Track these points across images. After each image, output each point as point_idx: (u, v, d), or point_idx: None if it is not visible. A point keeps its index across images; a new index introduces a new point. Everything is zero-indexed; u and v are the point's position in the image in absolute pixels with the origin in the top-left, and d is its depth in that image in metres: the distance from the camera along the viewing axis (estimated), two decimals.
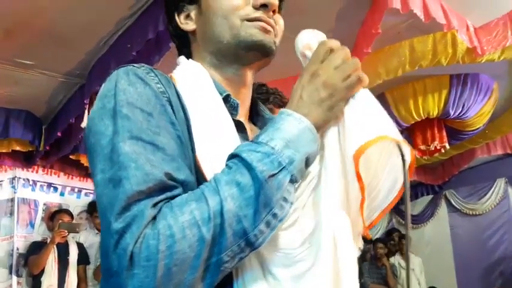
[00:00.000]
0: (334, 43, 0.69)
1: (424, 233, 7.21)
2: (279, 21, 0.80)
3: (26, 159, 4.64)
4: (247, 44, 0.74)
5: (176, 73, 0.77)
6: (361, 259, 5.91)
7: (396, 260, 6.11)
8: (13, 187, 4.69)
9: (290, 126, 0.62)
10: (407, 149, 0.63)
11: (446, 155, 5.56)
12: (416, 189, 7.27)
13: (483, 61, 3.43)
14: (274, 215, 0.59)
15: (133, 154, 0.59)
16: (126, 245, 0.54)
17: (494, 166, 6.48)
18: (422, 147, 4.59)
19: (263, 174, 0.58)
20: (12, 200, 4.66)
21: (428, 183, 6.89)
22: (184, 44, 0.85)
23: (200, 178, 0.64)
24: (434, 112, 4.18)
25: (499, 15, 3.29)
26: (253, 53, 0.76)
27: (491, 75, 4.08)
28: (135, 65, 0.69)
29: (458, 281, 6.68)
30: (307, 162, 0.63)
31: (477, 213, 6.73)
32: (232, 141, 0.68)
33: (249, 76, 0.81)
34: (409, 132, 4.82)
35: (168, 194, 0.59)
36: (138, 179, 0.57)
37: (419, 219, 7.35)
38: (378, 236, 7.03)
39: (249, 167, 0.58)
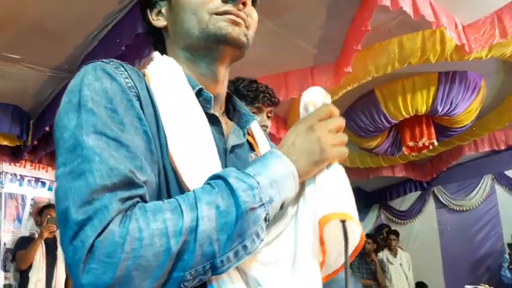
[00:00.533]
0: (335, 110, 0.71)
1: (413, 228, 7.29)
2: (252, 14, 0.79)
3: (14, 154, 4.58)
4: (216, 37, 0.74)
5: (149, 68, 0.76)
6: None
7: (384, 255, 6.17)
8: (0, 182, 4.64)
9: (277, 167, 0.63)
10: (359, 231, 0.65)
11: (435, 152, 5.62)
12: (404, 185, 7.34)
13: (471, 59, 3.47)
14: (245, 247, 0.59)
15: (97, 148, 0.58)
16: (86, 237, 0.53)
17: (482, 163, 6.56)
18: (411, 143, 4.64)
19: (246, 205, 0.58)
20: None
21: (417, 179, 6.96)
22: (159, 40, 0.85)
23: (173, 173, 0.64)
24: (423, 109, 4.22)
25: (486, 13, 3.33)
26: (223, 46, 0.75)
27: (479, 73, 4.13)
28: (104, 60, 0.68)
29: (446, 276, 6.76)
30: (282, 206, 0.64)
31: (464, 209, 6.81)
32: (205, 134, 0.68)
33: (222, 70, 0.80)
34: (398, 129, 4.87)
35: (133, 192, 0.58)
36: (102, 173, 0.56)
37: (408, 215, 7.43)
38: (366, 232, 7.09)
39: (233, 193, 0.58)
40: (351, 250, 0.66)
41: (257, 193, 0.59)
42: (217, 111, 0.81)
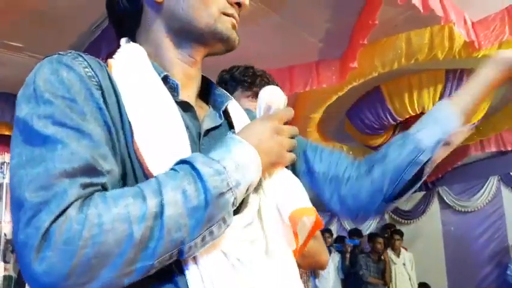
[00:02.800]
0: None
1: (416, 228, 7.24)
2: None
3: None
4: (222, 36, 0.76)
5: (115, 57, 0.74)
6: (356, 252, 5.93)
7: (388, 254, 6.14)
8: (2, 172, 4.64)
9: (241, 151, 0.63)
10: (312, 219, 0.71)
11: None
12: None
13: (480, 56, 3.41)
14: (211, 233, 0.58)
15: (58, 136, 0.55)
16: (41, 222, 0.50)
17: (488, 163, 6.50)
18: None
19: (216, 190, 0.57)
20: (0, 185, 4.61)
21: None
22: (133, 24, 0.81)
23: (138, 163, 0.62)
24: (429, 107, 4.15)
25: (497, 9, 3.27)
26: (221, 44, 0.78)
27: None
28: (61, 52, 0.65)
29: (449, 277, 6.73)
30: (247, 191, 0.64)
31: (469, 210, 6.76)
32: (172, 121, 0.67)
33: (201, 58, 0.81)
34: (404, 127, 4.80)
35: (95, 179, 0.55)
36: (62, 158, 0.54)
37: (412, 215, 7.37)
38: (370, 231, 7.05)
39: (200, 178, 0.57)
40: (303, 238, 0.72)
41: (224, 178, 0.59)
42: (191, 97, 0.79)
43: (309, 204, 0.71)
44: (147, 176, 0.61)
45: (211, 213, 0.57)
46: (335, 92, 3.89)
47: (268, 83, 1.64)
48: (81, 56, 0.66)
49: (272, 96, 0.77)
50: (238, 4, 0.77)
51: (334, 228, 7.71)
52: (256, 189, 0.70)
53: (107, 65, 0.70)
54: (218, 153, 0.62)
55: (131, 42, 0.78)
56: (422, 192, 7.36)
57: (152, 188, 0.55)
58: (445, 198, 7.09)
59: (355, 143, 4.96)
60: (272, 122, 0.71)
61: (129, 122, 0.63)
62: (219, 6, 0.75)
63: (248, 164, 0.63)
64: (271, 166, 0.70)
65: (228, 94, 0.85)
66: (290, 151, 0.73)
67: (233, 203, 0.60)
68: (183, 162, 0.60)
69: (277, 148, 0.69)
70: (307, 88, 3.69)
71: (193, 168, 0.58)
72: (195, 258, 0.59)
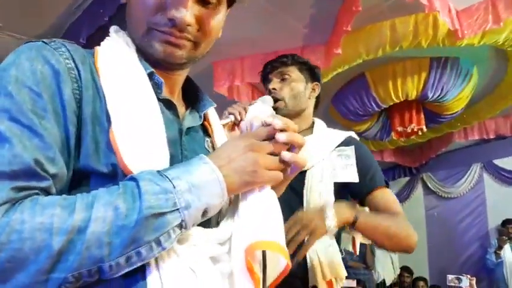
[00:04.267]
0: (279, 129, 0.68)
1: None
2: (208, 24, 0.72)
3: None
4: (152, 56, 0.72)
5: (102, 45, 0.73)
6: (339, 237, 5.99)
7: None
8: None
9: (201, 173, 0.60)
10: (284, 262, 0.66)
11: (424, 138, 5.61)
12: (393, 170, 7.37)
13: (463, 45, 3.42)
14: (138, 254, 0.55)
15: (8, 134, 0.55)
16: None
17: (471, 151, 6.59)
18: (400, 128, 4.61)
19: (148, 211, 0.55)
20: None
21: (406, 165, 6.97)
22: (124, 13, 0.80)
23: (113, 154, 0.61)
24: (413, 94, 4.18)
25: None
26: (158, 63, 0.73)
27: (471, 60, 4.08)
28: (45, 40, 0.65)
29: (430, 261, 6.86)
30: (205, 214, 0.61)
31: (452, 196, 6.87)
32: (153, 117, 0.66)
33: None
34: (388, 114, 4.83)
35: (34, 183, 0.55)
36: (4, 159, 0.54)
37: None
38: None
39: (139, 197, 0.55)
40: (275, 277, 0.67)
41: (171, 197, 0.56)
42: (174, 95, 0.79)
43: (276, 238, 0.63)
44: (121, 169, 0.61)
45: (138, 234, 0.54)
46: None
47: (272, 62, 1.62)
48: (64, 46, 0.65)
49: (255, 113, 0.74)
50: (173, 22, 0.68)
51: None
52: (233, 210, 0.68)
53: (94, 53, 0.69)
54: (176, 171, 0.60)
55: (121, 31, 0.76)
56: (407, 178, 7.45)
57: (86, 201, 0.54)
58: (428, 184, 7.19)
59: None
60: (246, 139, 0.66)
61: (108, 116, 0.63)
62: (148, 20, 0.69)
63: (206, 186, 0.60)
64: (245, 186, 0.64)
65: (211, 100, 0.85)
66: (278, 169, 0.67)
67: (181, 225, 0.58)
68: (131, 178, 0.58)
69: (251, 167, 0.63)
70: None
71: (137, 186, 0.56)
72: (158, 268, 0.58)
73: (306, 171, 1.49)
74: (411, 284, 6.00)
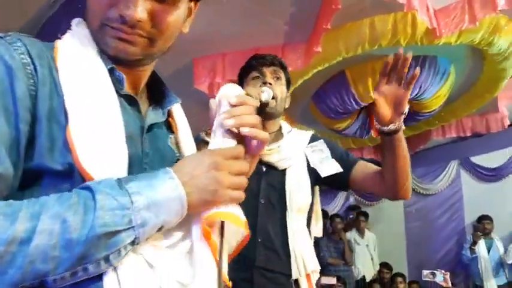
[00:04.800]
0: (241, 152, 0.69)
1: (380, 210, 7.42)
2: (164, 21, 0.69)
3: None
4: (106, 52, 0.70)
5: (63, 39, 0.70)
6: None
7: (352, 235, 6.30)
8: None
9: (165, 188, 0.59)
10: (242, 231, 0.69)
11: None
12: None
13: (441, 43, 3.48)
14: (85, 269, 0.53)
15: None
16: None
17: (449, 148, 6.70)
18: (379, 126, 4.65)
19: (102, 229, 0.53)
20: None
21: None
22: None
23: (70, 152, 0.59)
24: None
25: None
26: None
27: (449, 59, 4.15)
28: (1, 35, 0.62)
29: (408, 257, 6.96)
30: (160, 229, 0.60)
31: (430, 193, 6.98)
32: (112, 113, 0.64)
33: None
34: (367, 111, 4.88)
35: None
36: None
37: (375, 197, 7.54)
38: (335, 212, 7.20)
39: (91, 210, 0.53)
40: (234, 246, 0.70)
41: (127, 214, 0.55)
42: (138, 91, 0.76)
43: (235, 210, 0.66)
44: (77, 168, 0.59)
45: (89, 251, 0.52)
46: (300, 76, 3.90)
47: (264, 57, 1.63)
48: (21, 40, 0.62)
49: (222, 91, 0.72)
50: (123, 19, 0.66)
51: None
52: (188, 227, 0.66)
53: (53, 47, 0.67)
54: (139, 184, 0.58)
55: (83, 24, 0.72)
56: None
57: (31, 210, 0.51)
58: None
59: (320, 126, 5.02)
60: (212, 156, 0.64)
61: (66, 113, 0.61)
62: (101, 17, 0.67)
63: (167, 203, 0.58)
64: (205, 204, 0.63)
65: (176, 96, 0.83)
66: (239, 189, 0.66)
67: (133, 242, 0.56)
68: (87, 187, 0.56)
69: (213, 186, 0.62)
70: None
71: (93, 198, 0.54)
72: (115, 268, 0.56)
73: (285, 170, 1.55)
74: (390, 279, 6.09)
